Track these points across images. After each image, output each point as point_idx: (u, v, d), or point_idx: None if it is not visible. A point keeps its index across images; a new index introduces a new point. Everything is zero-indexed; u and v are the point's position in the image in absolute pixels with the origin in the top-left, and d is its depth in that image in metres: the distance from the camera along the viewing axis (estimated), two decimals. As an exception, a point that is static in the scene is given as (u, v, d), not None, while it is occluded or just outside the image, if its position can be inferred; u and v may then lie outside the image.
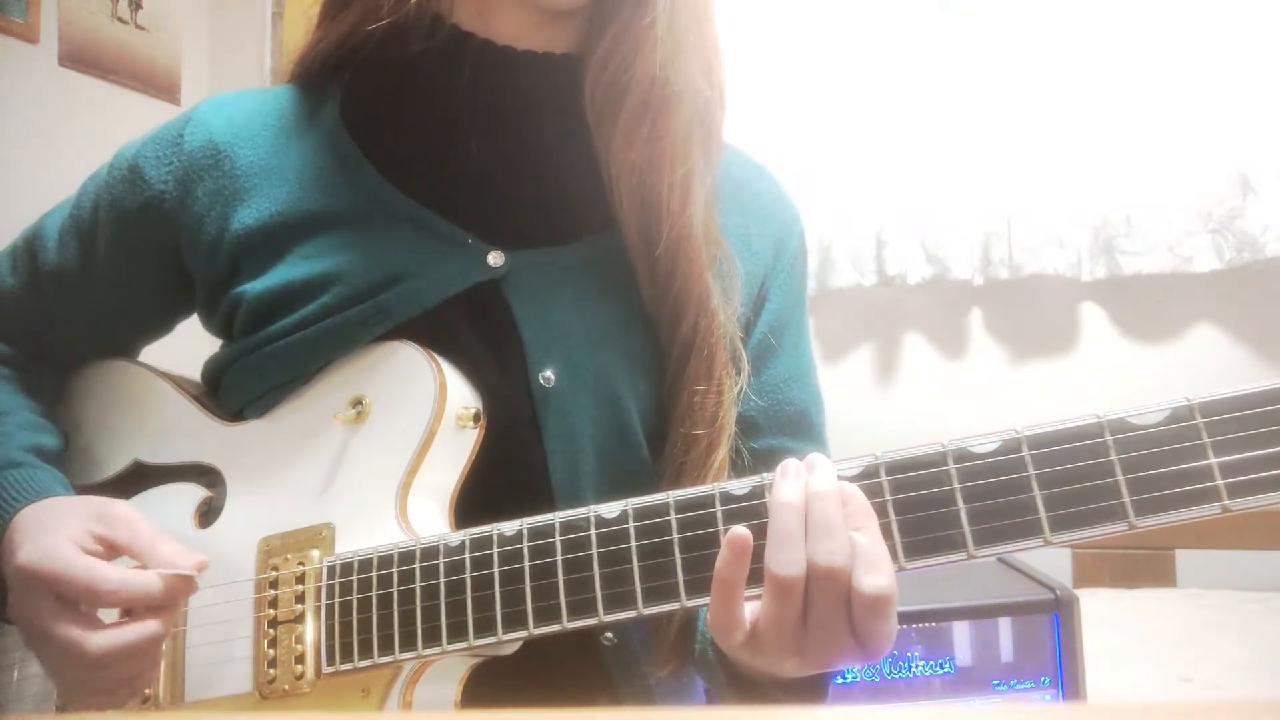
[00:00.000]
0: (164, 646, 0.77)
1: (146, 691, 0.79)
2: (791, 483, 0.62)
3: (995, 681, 1.39)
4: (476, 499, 0.77)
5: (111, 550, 0.74)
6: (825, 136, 2.10)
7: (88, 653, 0.69)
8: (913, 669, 1.41)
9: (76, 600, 0.71)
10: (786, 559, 0.60)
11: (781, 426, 0.88)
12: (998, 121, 1.98)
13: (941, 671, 1.40)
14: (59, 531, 0.73)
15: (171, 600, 0.72)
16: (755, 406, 0.86)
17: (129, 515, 0.75)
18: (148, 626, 0.71)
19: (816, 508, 0.61)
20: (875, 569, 0.60)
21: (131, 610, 0.72)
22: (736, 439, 0.83)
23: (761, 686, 0.71)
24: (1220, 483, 0.56)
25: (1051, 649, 1.37)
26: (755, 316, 0.89)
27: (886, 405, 2.11)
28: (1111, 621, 1.58)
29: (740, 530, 0.61)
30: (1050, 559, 1.72)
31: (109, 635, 0.70)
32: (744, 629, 0.62)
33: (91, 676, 0.71)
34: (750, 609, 0.63)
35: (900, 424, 2.07)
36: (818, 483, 0.62)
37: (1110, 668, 1.38)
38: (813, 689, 0.70)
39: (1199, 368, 1.87)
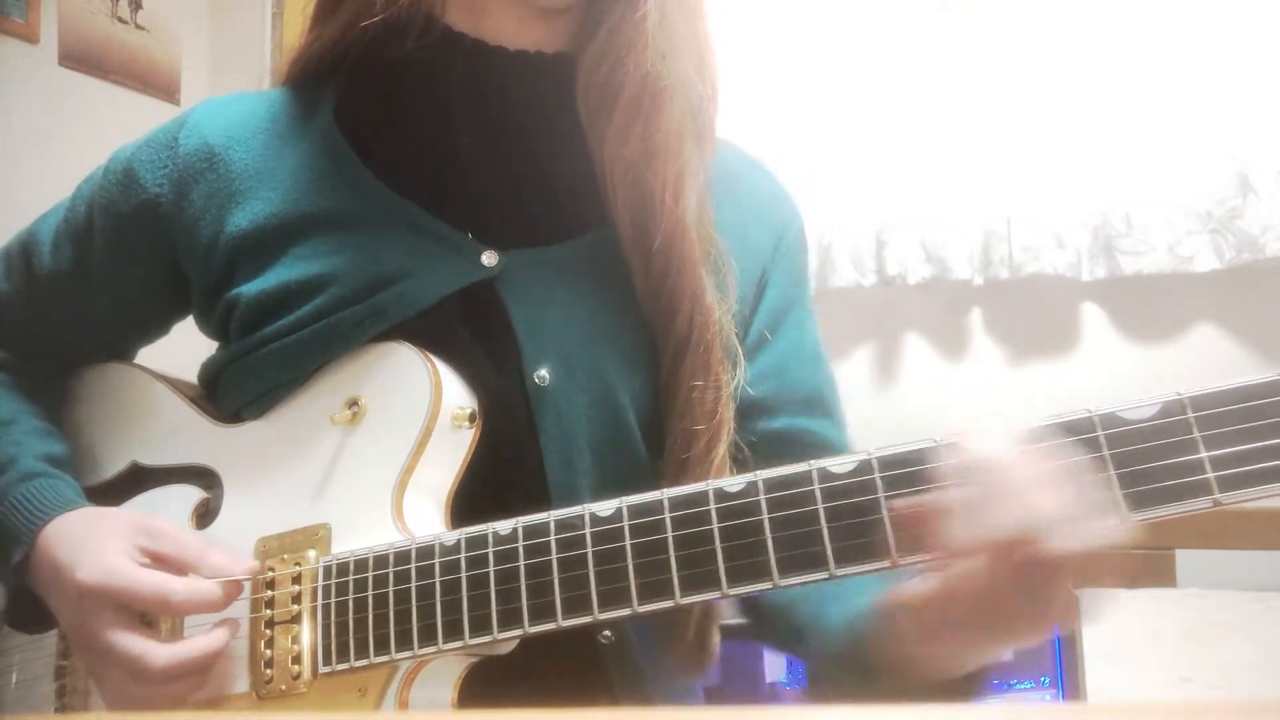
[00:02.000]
0: None
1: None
2: (980, 446, 0.60)
3: (995, 681, 1.39)
4: (473, 499, 0.77)
5: (159, 563, 0.75)
6: (825, 136, 2.09)
7: (151, 667, 0.71)
8: (912, 669, 1.40)
9: (140, 614, 0.73)
10: (984, 523, 0.58)
11: (797, 406, 0.87)
12: (998, 121, 1.98)
13: (941, 671, 1.39)
14: (109, 546, 0.75)
15: (224, 606, 0.74)
16: (763, 390, 0.85)
17: (168, 527, 0.78)
18: (215, 637, 0.74)
19: (1006, 469, 0.59)
20: (1067, 529, 0.57)
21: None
22: (746, 425, 0.83)
23: (911, 688, 0.69)
24: (1211, 476, 0.56)
25: (1051, 649, 1.37)
26: (756, 306, 0.88)
27: (886, 405, 2.11)
28: (1111, 621, 1.57)
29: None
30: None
31: (175, 649, 0.72)
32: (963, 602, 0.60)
33: (153, 691, 0.73)
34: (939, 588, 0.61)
35: (900, 424, 2.07)
36: (1002, 444, 0.60)
37: (1110, 668, 1.38)
38: (967, 690, 0.69)
39: (1199, 368, 1.87)
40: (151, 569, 0.74)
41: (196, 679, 0.74)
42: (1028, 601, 0.59)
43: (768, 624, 0.84)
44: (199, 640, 0.73)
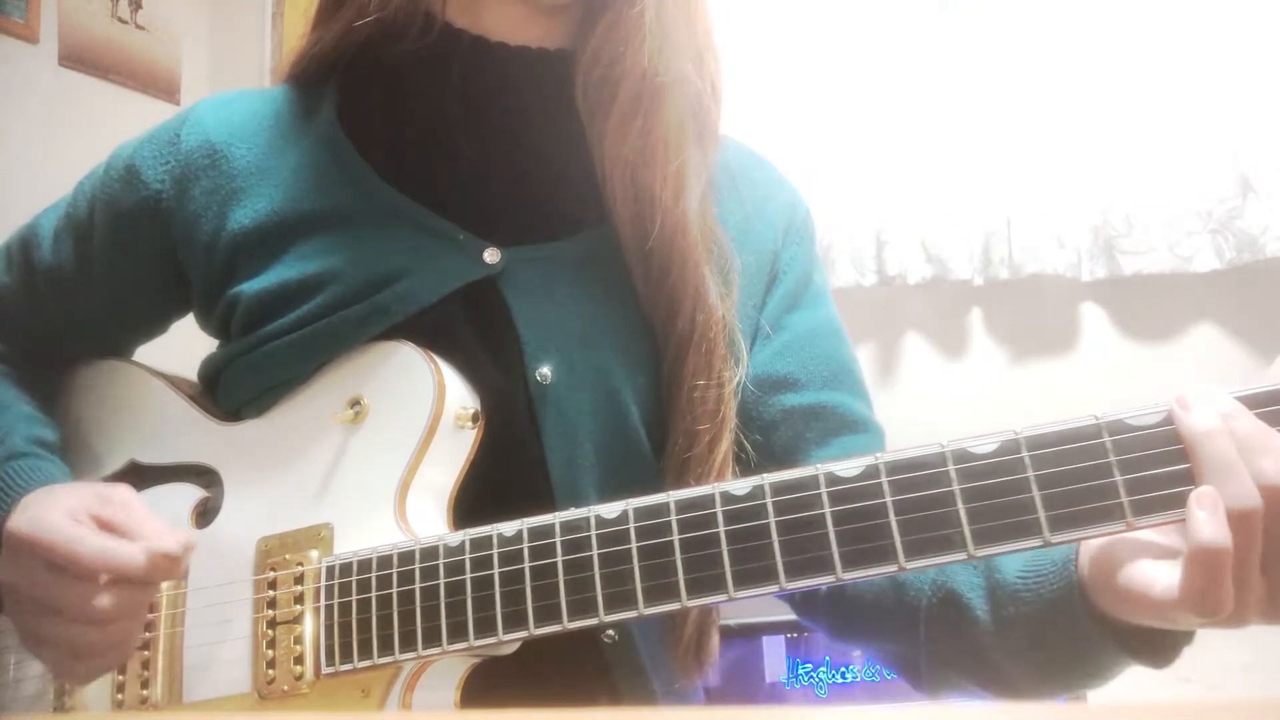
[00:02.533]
0: (161, 646, 0.77)
1: (144, 692, 0.79)
2: (1201, 411, 0.56)
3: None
4: (475, 498, 0.77)
5: (104, 526, 0.73)
6: (825, 136, 2.09)
7: (65, 605, 0.70)
8: (912, 669, 1.40)
9: (58, 565, 0.71)
10: (1236, 490, 0.54)
11: (821, 380, 0.86)
12: (998, 121, 1.98)
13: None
14: (57, 504, 0.74)
15: (154, 577, 0.72)
16: (787, 363, 0.85)
17: (127, 497, 0.76)
18: (133, 596, 0.71)
19: (1239, 427, 0.55)
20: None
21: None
22: (776, 396, 0.83)
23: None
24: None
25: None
26: (769, 293, 0.88)
27: (886, 405, 2.10)
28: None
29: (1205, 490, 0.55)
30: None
31: (106, 597, 0.70)
32: (1231, 600, 0.55)
33: (70, 633, 0.71)
34: (1164, 569, 0.58)
35: (900, 424, 2.06)
36: (1224, 404, 0.56)
37: (1110, 668, 1.38)
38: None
39: (1199, 368, 1.87)
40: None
41: (121, 626, 0.72)
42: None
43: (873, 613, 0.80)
44: (117, 589, 0.70)
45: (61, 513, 0.73)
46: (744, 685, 1.56)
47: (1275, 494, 0.55)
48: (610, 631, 0.80)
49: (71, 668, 0.75)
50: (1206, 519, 0.54)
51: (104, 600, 0.70)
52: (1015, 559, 0.69)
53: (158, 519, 0.75)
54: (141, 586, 0.72)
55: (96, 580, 0.70)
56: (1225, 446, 0.55)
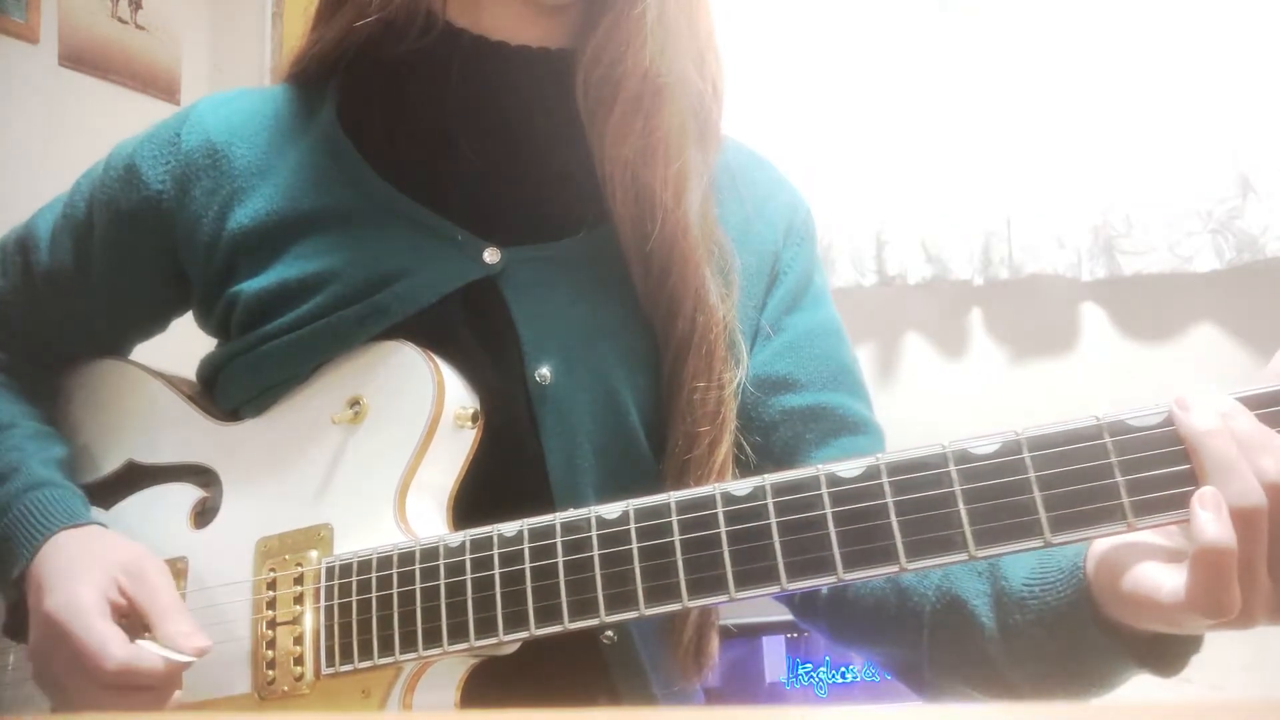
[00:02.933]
0: None
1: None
2: (1202, 408, 0.56)
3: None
4: (475, 498, 0.77)
5: (130, 606, 0.74)
6: (825, 136, 2.09)
7: (92, 692, 0.70)
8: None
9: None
10: (1240, 489, 0.54)
11: (822, 381, 0.86)
12: (998, 121, 1.98)
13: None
14: (87, 580, 0.74)
15: (171, 682, 0.72)
16: (787, 364, 0.85)
17: (153, 575, 0.75)
18: (151, 699, 0.72)
19: (1239, 427, 0.55)
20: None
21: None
22: (776, 397, 0.83)
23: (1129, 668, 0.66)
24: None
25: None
26: (769, 293, 0.88)
27: (886, 405, 2.09)
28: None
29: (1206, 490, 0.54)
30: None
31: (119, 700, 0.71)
32: (1238, 602, 0.55)
33: (98, 701, 0.71)
34: (1170, 573, 0.57)
35: (900, 423, 2.06)
36: (1222, 403, 0.56)
37: (1110, 668, 1.37)
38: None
39: (1199, 368, 1.87)
40: (119, 609, 0.73)
41: (155, 693, 0.72)
42: None
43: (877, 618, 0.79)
44: (143, 696, 0.71)
45: (91, 593, 0.73)
46: (744, 685, 1.56)
47: (1278, 491, 0.54)
48: (609, 632, 0.80)
49: None
50: (1210, 519, 0.54)
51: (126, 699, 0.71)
52: (1021, 566, 0.69)
53: (182, 609, 0.74)
54: (157, 690, 0.72)
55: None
56: (1227, 445, 0.55)
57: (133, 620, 0.74)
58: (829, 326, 0.90)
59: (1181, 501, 0.56)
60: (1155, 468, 0.57)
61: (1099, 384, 1.94)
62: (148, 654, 0.71)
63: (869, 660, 0.93)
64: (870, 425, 0.87)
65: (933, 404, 2.07)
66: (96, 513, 0.87)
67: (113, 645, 0.71)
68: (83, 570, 0.75)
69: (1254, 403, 0.57)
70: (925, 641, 0.75)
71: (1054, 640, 0.67)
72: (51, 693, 0.75)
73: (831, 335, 0.89)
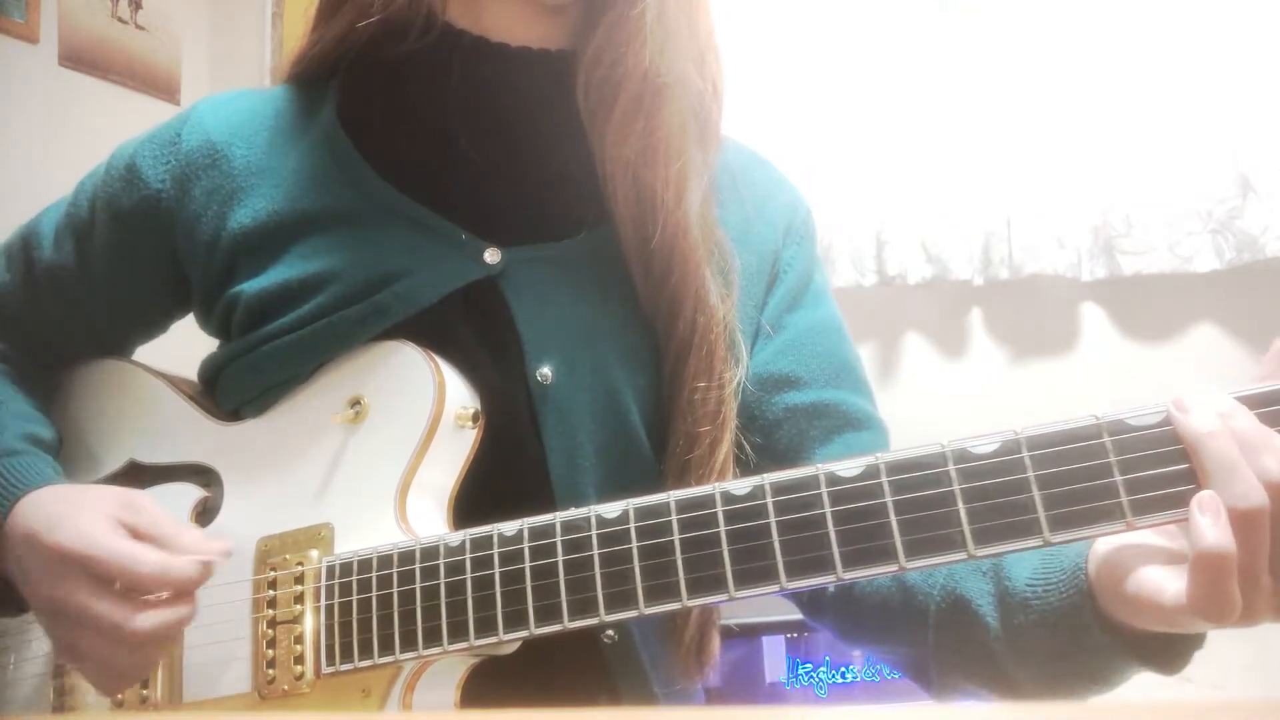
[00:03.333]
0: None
1: (144, 692, 0.79)
2: (1201, 409, 0.56)
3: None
4: (476, 498, 0.77)
5: (136, 535, 0.73)
6: (825, 136, 2.09)
7: (129, 631, 0.69)
8: (913, 669, 1.40)
9: (112, 581, 0.70)
10: (1242, 489, 0.54)
11: (825, 378, 0.86)
12: (998, 121, 1.98)
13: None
14: (91, 514, 0.73)
15: (198, 585, 0.72)
16: (789, 361, 0.85)
17: (148, 503, 0.75)
18: (183, 610, 0.71)
19: (1239, 427, 0.55)
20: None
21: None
22: (779, 395, 0.83)
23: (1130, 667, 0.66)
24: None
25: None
26: (770, 293, 0.88)
27: (886, 405, 2.10)
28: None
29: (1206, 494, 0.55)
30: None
31: (151, 616, 0.70)
32: (1238, 606, 0.55)
33: (122, 656, 0.71)
34: (1172, 576, 0.58)
35: (900, 423, 2.06)
36: (1222, 404, 0.56)
37: (1110, 668, 1.37)
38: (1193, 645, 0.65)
39: (1199, 368, 1.87)
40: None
41: (165, 647, 0.73)
42: None
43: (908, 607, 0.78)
44: (174, 609, 0.70)
45: (100, 524, 0.72)
46: (744, 685, 1.56)
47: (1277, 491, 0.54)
48: (610, 632, 0.80)
49: (111, 684, 0.75)
50: (1209, 524, 0.54)
51: (147, 623, 0.70)
52: (1024, 566, 0.69)
53: (187, 524, 0.76)
54: (186, 604, 0.72)
55: (137, 599, 0.71)
56: (1227, 446, 0.55)
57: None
58: (830, 324, 0.90)
59: (1181, 501, 0.56)
60: (1154, 467, 0.57)
61: (1099, 384, 1.94)
62: (179, 559, 0.71)
63: (880, 659, 0.93)
64: (874, 420, 0.87)
65: (933, 404, 2.07)
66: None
67: (143, 551, 0.71)
68: (82, 509, 0.74)
69: (1254, 402, 0.57)
70: (931, 641, 0.75)
71: (1056, 640, 0.67)
72: (72, 634, 0.73)
73: (833, 332, 0.89)
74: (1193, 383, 0.58)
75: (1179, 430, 0.56)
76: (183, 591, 0.71)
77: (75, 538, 0.71)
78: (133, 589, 0.70)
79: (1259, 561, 0.55)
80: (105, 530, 0.72)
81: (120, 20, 2.20)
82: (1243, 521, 0.54)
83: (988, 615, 0.71)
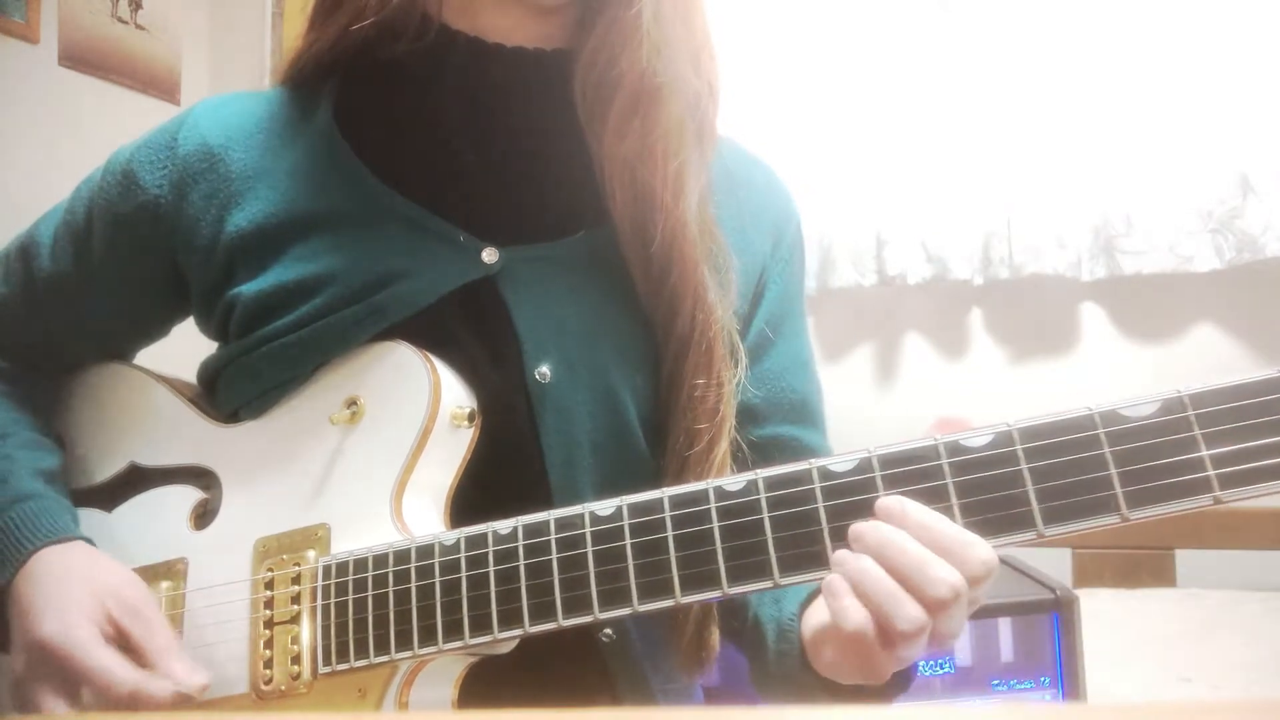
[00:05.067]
0: None
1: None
2: (856, 559, 0.61)
3: (995, 681, 1.39)
4: (473, 497, 0.77)
5: (124, 640, 0.74)
6: (825, 136, 2.09)
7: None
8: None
9: (81, 687, 0.71)
10: (937, 575, 0.59)
11: (784, 414, 0.88)
12: (998, 121, 1.98)
13: (941, 671, 1.39)
14: (77, 606, 0.73)
15: (173, 707, 0.72)
16: (756, 396, 0.86)
17: (144, 607, 0.76)
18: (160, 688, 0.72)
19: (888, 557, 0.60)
20: (941, 568, 0.59)
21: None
22: (736, 430, 0.83)
23: (847, 692, 0.70)
24: (1212, 474, 0.56)
25: (1051, 649, 1.37)
26: (754, 308, 0.88)
27: (886, 405, 2.11)
28: (1111, 621, 1.57)
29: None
30: (1050, 559, 1.72)
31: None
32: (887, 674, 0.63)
33: None
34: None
35: (900, 423, 2.07)
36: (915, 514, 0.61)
37: (1110, 668, 1.38)
38: (899, 686, 0.70)
39: (1199, 368, 1.87)
40: (111, 641, 0.73)
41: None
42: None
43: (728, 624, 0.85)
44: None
45: (88, 623, 0.73)
46: (744, 685, 1.56)
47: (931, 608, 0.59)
48: (608, 630, 0.80)
49: None
50: (851, 605, 0.60)
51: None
52: (795, 598, 0.76)
53: (177, 645, 0.74)
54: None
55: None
56: (918, 549, 0.59)
57: (128, 653, 0.74)
58: (800, 358, 0.91)
59: (1176, 493, 0.56)
60: (1149, 459, 0.57)
61: (1099, 384, 1.94)
62: (156, 683, 0.71)
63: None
64: (823, 451, 0.90)
65: (933, 404, 2.07)
66: (98, 515, 0.87)
67: (120, 672, 0.71)
68: (71, 598, 0.74)
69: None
70: (748, 656, 0.83)
71: (805, 672, 0.73)
72: (32, 709, 0.74)
73: (801, 368, 0.91)
74: (1193, 383, 0.58)
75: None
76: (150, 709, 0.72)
77: (60, 636, 0.72)
78: (104, 701, 0.71)
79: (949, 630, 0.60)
80: (90, 634, 0.72)
81: (120, 20, 2.20)
82: (900, 641, 0.59)
83: (770, 637, 0.78)
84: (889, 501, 0.61)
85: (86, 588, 0.75)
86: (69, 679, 0.71)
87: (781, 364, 0.89)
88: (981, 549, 0.59)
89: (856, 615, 0.59)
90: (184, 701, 0.72)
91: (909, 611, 0.58)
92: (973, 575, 0.59)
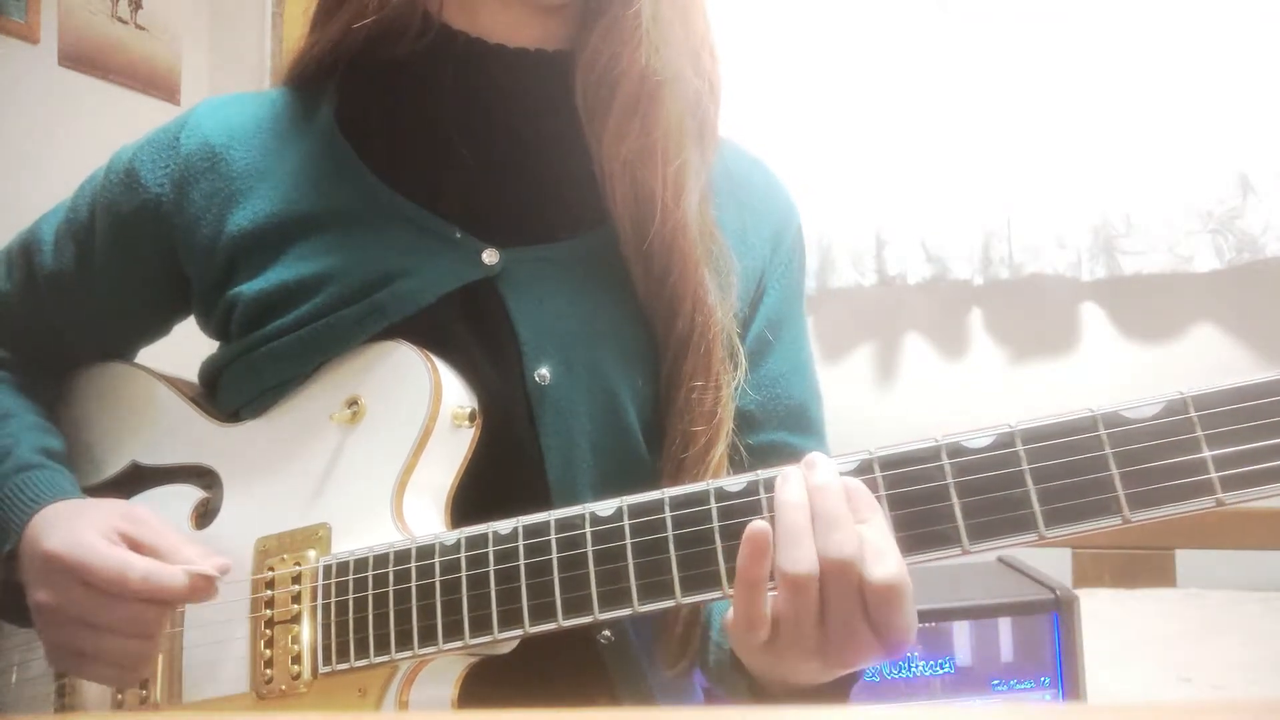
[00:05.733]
0: (162, 646, 0.77)
1: (144, 692, 0.79)
2: (793, 483, 0.62)
3: (995, 681, 1.39)
4: (473, 498, 0.77)
5: (136, 547, 0.75)
6: (825, 136, 2.09)
7: (114, 623, 0.72)
8: (913, 669, 1.41)
9: (102, 589, 0.72)
10: (796, 555, 0.60)
11: (781, 421, 0.87)
12: (998, 121, 1.98)
13: (941, 671, 1.40)
14: (86, 523, 0.75)
15: (193, 598, 0.74)
16: (753, 401, 0.86)
17: (152, 517, 0.77)
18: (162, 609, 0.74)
19: (820, 502, 0.60)
20: (884, 559, 0.59)
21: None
22: (734, 435, 0.83)
23: (782, 695, 0.70)
24: (1214, 476, 0.56)
25: (1051, 649, 1.37)
26: (753, 311, 0.88)
27: (886, 405, 2.11)
28: (1111, 621, 1.57)
29: (759, 525, 0.61)
30: (1050, 559, 1.72)
31: (135, 606, 0.73)
32: (767, 627, 0.62)
33: (112, 646, 0.73)
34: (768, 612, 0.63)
35: (900, 424, 2.07)
36: (818, 477, 0.61)
37: (1110, 668, 1.38)
38: (835, 695, 0.69)
39: (1199, 368, 1.87)
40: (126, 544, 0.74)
41: (143, 642, 0.74)
42: (858, 630, 0.60)
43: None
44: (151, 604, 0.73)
45: (94, 531, 0.74)
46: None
47: (829, 566, 0.59)
48: (606, 632, 0.80)
49: (116, 677, 0.77)
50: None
51: (150, 614, 0.73)
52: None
53: (190, 539, 0.77)
54: (170, 605, 0.74)
55: (135, 599, 0.72)
56: (797, 516, 0.61)
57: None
58: (798, 364, 0.91)
59: (1179, 495, 0.56)
60: (1151, 460, 0.57)
61: (1099, 384, 1.94)
62: (169, 569, 0.73)
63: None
64: None
65: (933, 404, 2.07)
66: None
67: (133, 559, 0.72)
68: (77, 517, 0.76)
69: (854, 471, 0.62)
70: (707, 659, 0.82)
71: (736, 671, 0.73)
72: (61, 637, 0.75)
73: (799, 374, 0.90)
74: (1193, 382, 0.58)
75: (775, 496, 0.62)
76: (173, 601, 0.73)
77: (69, 544, 0.73)
78: (121, 595, 0.72)
79: (805, 620, 0.60)
80: (98, 538, 0.73)
81: (120, 20, 2.20)
82: (791, 585, 0.60)
83: (714, 640, 0.79)
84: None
85: (91, 512, 0.77)
86: (86, 582, 0.72)
87: (780, 369, 0.88)
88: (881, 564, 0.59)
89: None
90: (203, 587, 0.74)
91: (802, 551, 0.59)
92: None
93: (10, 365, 0.94)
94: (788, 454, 0.86)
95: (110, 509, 0.77)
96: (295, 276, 0.81)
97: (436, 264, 0.81)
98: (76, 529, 0.74)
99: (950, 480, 0.60)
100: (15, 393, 0.91)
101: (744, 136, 0.97)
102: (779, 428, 0.87)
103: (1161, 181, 1.87)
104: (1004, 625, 1.39)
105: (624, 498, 0.66)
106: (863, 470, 0.62)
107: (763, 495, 0.63)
